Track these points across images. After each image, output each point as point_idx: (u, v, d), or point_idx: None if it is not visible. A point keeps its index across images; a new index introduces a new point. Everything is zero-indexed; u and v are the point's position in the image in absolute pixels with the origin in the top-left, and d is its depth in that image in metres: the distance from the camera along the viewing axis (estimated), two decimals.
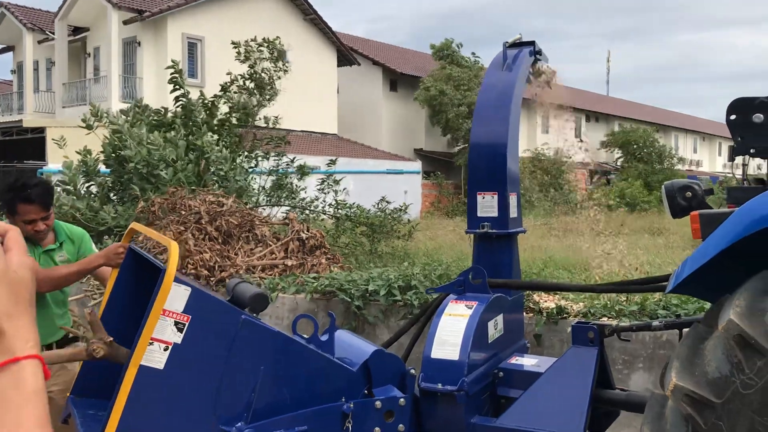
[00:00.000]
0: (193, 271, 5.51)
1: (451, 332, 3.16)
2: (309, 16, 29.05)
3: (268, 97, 10.27)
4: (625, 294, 4.68)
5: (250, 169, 10.09)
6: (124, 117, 9.24)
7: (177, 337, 2.52)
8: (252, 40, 10.78)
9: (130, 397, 2.40)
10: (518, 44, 3.93)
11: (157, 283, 2.43)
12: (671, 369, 2.15)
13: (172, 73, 9.37)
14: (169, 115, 9.43)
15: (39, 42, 27.58)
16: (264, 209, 10.07)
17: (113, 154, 8.75)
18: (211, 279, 5.66)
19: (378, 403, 2.91)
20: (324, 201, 10.38)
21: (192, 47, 25.42)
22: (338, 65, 30.93)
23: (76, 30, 26.94)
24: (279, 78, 10.42)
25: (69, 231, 3.62)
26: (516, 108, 3.71)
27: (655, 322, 3.05)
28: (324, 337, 3.11)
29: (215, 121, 9.64)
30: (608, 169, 44.38)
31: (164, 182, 8.19)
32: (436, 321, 3.23)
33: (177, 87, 9.29)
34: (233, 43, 10.75)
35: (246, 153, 9.91)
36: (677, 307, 4.68)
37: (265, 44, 10.47)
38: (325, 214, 10.21)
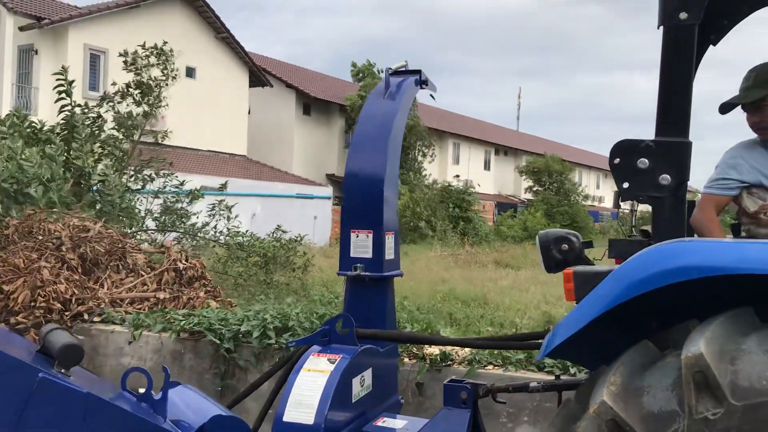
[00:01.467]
0: (44, 304, 4.89)
1: (308, 391, 2.77)
2: (221, 35, 28.38)
3: (152, 104, 9.65)
4: None
5: (137, 190, 9.42)
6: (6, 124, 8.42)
7: None
8: (140, 46, 10.18)
9: None
10: (403, 72, 3.63)
11: None
12: None
13: (58, 80, 8.63)
14: (48, 127, 8.67)
15: None
16: (151, 234, 9.41)
17: None
18: (66, 313, 5.05)
19: None
20: (215, 228, 9.79)
21: (94, 59, 24.25)
22: (250, 86, 30.32)
23: None
24: (167, 84, 9.83)
25: None
26: (396, 140, 3.40)
27: (533, 383, 2.76)
28: (158, 396, 2.64)
29: (101, 137, 8.94)
30: (515, 202, 45.44)
31: (34, 202, 7.46)
32: (293, 378, 2.82)
33: (64, 96, 8.56)
34: (120, 53, 10.13)
35: (132, 172, 9.25)
36: (568, 361, 4.46)
37: (153, 51, 9.88)
38: (216, 241, 9.63)
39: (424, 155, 34.45)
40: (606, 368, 1.88)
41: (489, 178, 46.16)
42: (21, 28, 23.14)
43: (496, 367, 4.43)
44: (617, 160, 2.22)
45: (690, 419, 1.64)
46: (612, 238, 2.28)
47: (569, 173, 42.57)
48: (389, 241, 3.33)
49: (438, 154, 38.40)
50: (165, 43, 10.15)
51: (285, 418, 2.71)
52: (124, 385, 2.55)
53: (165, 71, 9.81)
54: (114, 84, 9.71)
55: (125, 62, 10.00)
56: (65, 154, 8.48)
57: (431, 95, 3.79)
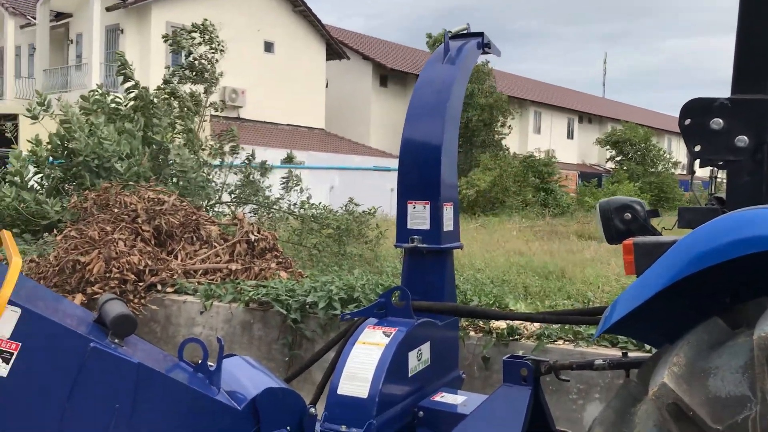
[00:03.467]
0: (118, 275, 5.04)
1: (362, 364, 2.71)
2: (298, 8, 28.54)
3: (209, 81, 9.76)
4: None
5: (213, 165, 9.60)
6: (75, 106, 8.72)
7: (2, 370, 2.07)
8: (181, 28, 10.32)
9: None
10: (464, 35, 3.47)
11: None
12: None
13: (119, 66, 8.88)
14: (127, 103, 8.93)
15: (21, 27, 27.00)
16: (229, 206, 9.60)
17: (60, 145, 8.24)
18: (140, 284, 5.18)
19: None
20: (289, 200, 9.88)
21: None
22: (327, 59, 30.44)
23: (59, 15, 26.37)
24: (216, 60, 9.92)
25: None
26: (455, 106, 3.26)
27: (598, 361, 2.60)
28: (213, 367, 2.64)
29: (174, 113, 9.14)
30: (600, 171, 44.02)
31: (115, 176, 7.71)
32: (348, 350, 2.78)
33: (126, 79, 8.80)
34: (164, 36, 10.36)
35: (207, 147, 9.43)
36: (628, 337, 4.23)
37: (196, 29, 9.97)
38: (290, 213, 9.72)
39: (509, 128, 33.76)
40: (669, 347, 1.72)
41: (572, 147, 44.91)
42: (108, 9, 23.97)
43: (567, 342, 4.27)
44: (688, 121, 2.03)
45: (763, 405, 1.48)
46: (682, 206, 2.10)
47: (651, 141, 40.75)
48: (448, 211, 3.22)
49: (518, 123, 37.59)
50: (205, 20, 10.25)
51: (339, 391, 2.67)
52: (180, 356, 2.56)
53: (213, 46, 9.89)
54: (167, 67, 9.92)
55: (169, 43, 10.22)
56: (144, 129, 8.71)
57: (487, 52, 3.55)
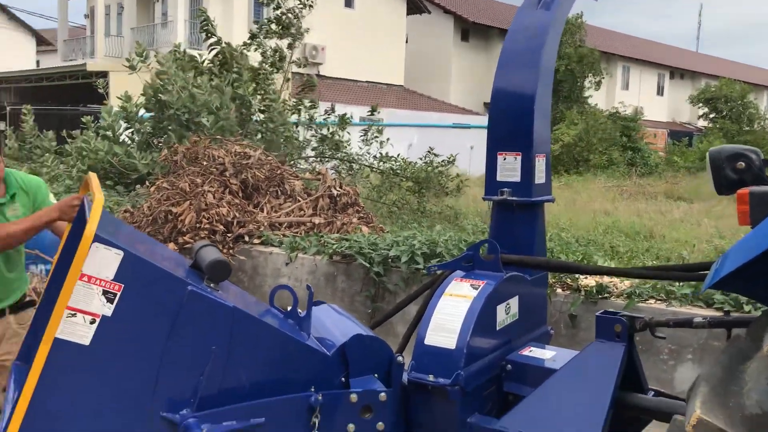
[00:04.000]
0: (208, 225, 5.19)
1: (450, 316, 2.69)
2: None
3: (295, 35, 9.77)
4: None
5: (296, 121, 9.71)
6: (172, 58, 8.93)
7: (106, 309, 2.15)
8: None
9: (45, 376, 2.06)
10: None
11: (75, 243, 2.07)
12: (697, 395, 1.63)
13: (201, 22, 9.01)
14: (208, 62, 9.10)
15: None
16: (311, 163, 9.71)
17: (153, 98, 8.48)
18: (228, 235, 5.33)
19: (353, 397, 2.48)
20: (369, 153, 9.90)
21: None
22: (408, 13, 30.01)
23: None
24: (303, 15, 9.89)
25: (23, 181, 3.28)
26: (550, 55, 3.14)
27: (698, 318, 2.49)
28: (303, 314, 2.67)
29: (254, 69, 9.25)
30: (691, 130, 42.07)
31: (206, 130, 7.90)
32: (435, 301, 2.76)
33: (209, 35, 8.93)
34: None
35: (291, 103, 9.52)
36: (740, 295, 4.04)
37: None
38: (371, 168, 9.75)
39: (597, 84, 32.54)
40: None
41: (662, 105, 43.03)
42: None
43: (658, 302, 4.13)
44: None
45: None
46: None
47: (749, 98, 38.43)
48: (540, 163, 3.12)
49: (605, 79, 36.22)
50: None
51: (426, 341, 2.66)
52: (271, 302, 2.60)
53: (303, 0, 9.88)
54: (256, 22, 9.97)
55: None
56: (230, 85, 8.87)
57: None
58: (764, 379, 1.54)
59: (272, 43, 9.75)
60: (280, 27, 9.75)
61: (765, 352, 1.52)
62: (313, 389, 2.45)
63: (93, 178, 2.63)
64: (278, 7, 9.90)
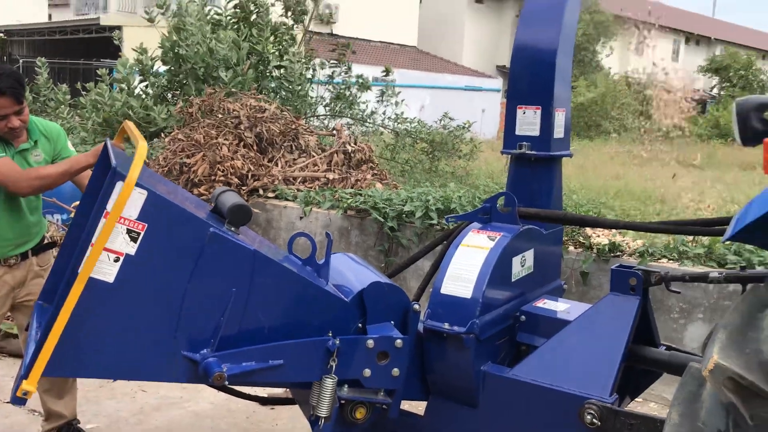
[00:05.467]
0: (222, 178, 5.21)
1: (466, 266, 2.72)
2: None
3: None
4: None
5: (311, 78, 9.64)
6: (189, 10, 8.83)
7: (130, 248, 2.19)
8: None
9: (74, 314, 2.10)
10: None
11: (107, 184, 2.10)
12: (714, 342, 1.66)
13: None
14: (227, 17, 9.00)
15: None
16: (323, 120, 9.68)
17: (171, 50, 8.42)
18: (242, 188, 5.35)
19: (370, 342, 2.53)
20: (384, 114, 9.86)
21: None
22: None
23: None
24: None
25: (44, 128, 3.30)
26: (573, 9, 3.11)
27: (714, 273, 2.50)
28: (321, 261, 2.70)
29: (273, 23, 9.14)
30: (704, 97, 41.58)
31: (223, 84, 7.86)
32: (451, 252, 2.78)
33: None
34: None
35: (305, 60, 9.44)
36: (753, 254, 4.06)
37: None
38: (384, 127, 9.72)
39: (610, 49, 32.10)
40: None
41: (677, 71, 42.42)
42: None
43: (671, 261, 4.15)
44: None
45: None
46: None
47: (756, 66, 37.96)
48: (559, 117, 3.11)
49: (619, 44, 35.70)
50: None
51: (442, 290, 2.69)
52: (290, 249, 2.63)
53: None
54: None
55: None
56: (248, 40, 8.80)
57: None
58: None
59: None
60: None
61: None
62: (330, 334, 2.49)
63: (131, 126, 2.66)
64: None
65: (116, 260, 2.17)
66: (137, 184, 2.14)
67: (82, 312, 2.12)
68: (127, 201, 2.12)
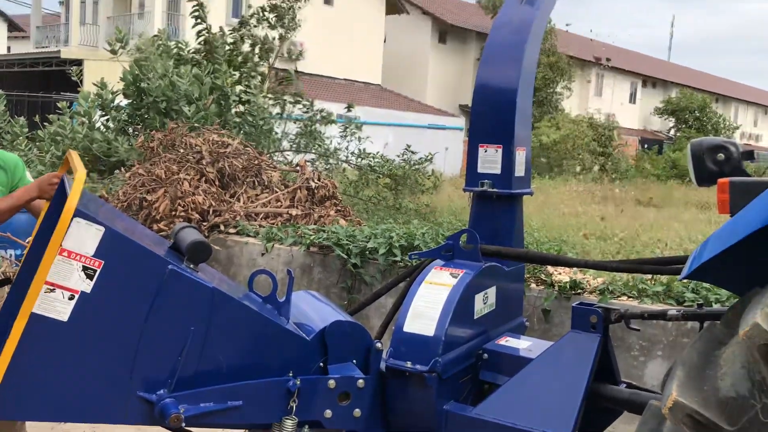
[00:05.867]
0: (183, 213, 5.15)
1: (429, 303, 2.71)
2: None
3: (287, 27, 9.72)
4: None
5: (276, 114, 9.66)
6: (153, 44, 8.81)
7: (85, 285, 2.13)
8: None
9: (20, 353, 2.03)
10: None
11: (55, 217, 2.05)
12: (673, 379, 1.67)
13: (193, 7, 8.92)
14: (190, 52, 9.00)
15: None
16: (287, 155, 9.68)
17: (132, 83, 8.38)
18: (203, 224, 5.29)
19: (331, 383, 2.49)
20: (347, 150, 9.90)
21: None
22: (386, 13, 30.05)
23: None
24: (299, 7, 9.84)
25: (1, 159, 3.23)
26: (533, 50, 3.18)
27: (672, 310, 2.54)
28: (282, 299, 2.67)
29: (239, 59, 9.17)
30: (662, 138, 42.74)
31: (186, 119, 7.82)
32: (414, 289, 2.77)
33: (199, 21, 8.85)
34: None
35: (270, 96, 9.47)
36: (710, 292, 4.14)
37: None
38: (348, 163, 9.75)
39: (569, 90, 32.94)
40: (761, 290, 1.66)
41: (634, 112, 43.63)
42: None
43: (631, 299, 4.20)
44: None
45: None
46: None
47: (711, 108, 39.44)
48: (520, 156, 3.16)
49: (579, 85, 36.65)
50: None
51: (405, 328, 2.67)
52: (250, 286, 2.59)
53: None
54: (250, 7, 9.88)
55: None
56: (210, 75, 8.80)
57: None
58: (739, 363, 1.59)
59: (261, 32, 9.66)
60: (275, 15, 9.66)
61: (740, 336, 1.55)
62: (291, 374, 2.45)
63: (74, 155, 2.60)
64: None
65: (71, 298, 2.11)
66: (93, 220, 2.10)
67: (28, 351, 2.05)
68: (66, 231, 2.06)
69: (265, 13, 9.65)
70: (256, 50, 9.29)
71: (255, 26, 9.57)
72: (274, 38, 9.69)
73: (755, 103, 51.92)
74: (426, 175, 9.82)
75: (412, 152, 9.93)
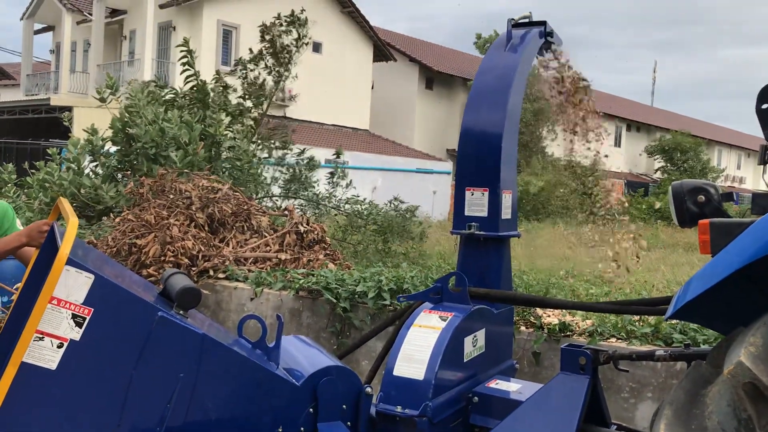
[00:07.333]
0: (172, 258, 5.15)
1: (418, 347, 2.72)
2: (346, 9, 28.71)
3: (283, 73, 9.85)
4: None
5: (264, 160, 9.72)
6: (141, 91, 8.90)
7: (74, 333, 2.13)
8: (275, 16, 10.45)
9: (9, 401, 2.01)
10: (526, 24, 3.46)
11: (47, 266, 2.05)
12: (661, 418, 1.68)
13: (181, 51, 9.04)
14: (180, 97, 9.08)
15: (78, 23, 27.71)
16: (276, 200, 9.71)
17: (121, 130, 8.42)
18: (193, 269, 5.28)
19: None
20: (335, 196, 9.96)
21: (227, 35, 25.26)
22: (374, 60, 30.53)
23: (114, 12, 27.01)
24: (299, 52, 9.99)
25: None
26: (517, 94, 3.25)
27: (660, 351, 2.56)
28: (271, 344, 2.67)
29: (230, 107, 9.27)
30: (647, 181, 43.20)
31: (174, 165, 7.85)
32: (404, 333, 2.78)
33: (187, 68, 8.96)
34: (259, 25, 10.45)
35: (259, 142, 9.54)
36: (697, 333, 4.16)
37: (289, 18, 10.07)
38: (337, 209, 9.79)
39: (554, 133, 33.35)
40: (744, 329, 1.69)
41: (619, 156, 44.15)
42: (161, 6, 24.47)
43: (619, 341, 4.20)
44: (765, 106, 1.98)
45: None
46: (757, 192, 2.05)
47: (702, 151, 39.98)
48: (506, 199, 3.20)
49: (562, 128, 37.05)
50: (302, 11, 10.36)
51: (395, 372, 2.68)
52: (240, 332, 2.59)
53: (298, 40, 9.97)
54: (250, 50, 10.04)
55: (262, 31, 10.28)
56: (201, 122, 8.87)
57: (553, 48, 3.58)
58: (725, 401, 1.60)
59: (256, 75, 9.77)
60: (274, 60, 9.80)
61: (725, 375, 1.58)
62: (280, 430, 2.44)
63: (64, 202, 2.62)
64: (272, 41, 9.93)
65: (60, 346, 2.11)
66: (83, 268, 2.10)
67: (18, 399, 2.04)
68: (59, 278, 2.07)
69: (264, 55, 9.78)
70: (250, 95, 9.39)
71: (252, 70, 9.68)
72: (268, 83, 9.81)
73: (738, 146, 52.80)
74: (413, 224, 9.87)
75: (401, 201, 10.00)
